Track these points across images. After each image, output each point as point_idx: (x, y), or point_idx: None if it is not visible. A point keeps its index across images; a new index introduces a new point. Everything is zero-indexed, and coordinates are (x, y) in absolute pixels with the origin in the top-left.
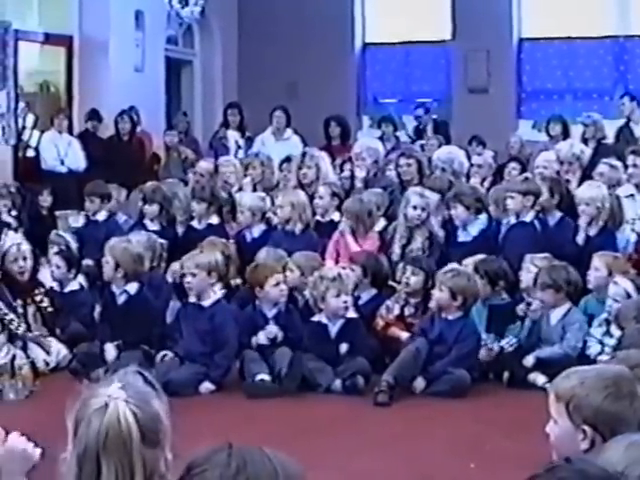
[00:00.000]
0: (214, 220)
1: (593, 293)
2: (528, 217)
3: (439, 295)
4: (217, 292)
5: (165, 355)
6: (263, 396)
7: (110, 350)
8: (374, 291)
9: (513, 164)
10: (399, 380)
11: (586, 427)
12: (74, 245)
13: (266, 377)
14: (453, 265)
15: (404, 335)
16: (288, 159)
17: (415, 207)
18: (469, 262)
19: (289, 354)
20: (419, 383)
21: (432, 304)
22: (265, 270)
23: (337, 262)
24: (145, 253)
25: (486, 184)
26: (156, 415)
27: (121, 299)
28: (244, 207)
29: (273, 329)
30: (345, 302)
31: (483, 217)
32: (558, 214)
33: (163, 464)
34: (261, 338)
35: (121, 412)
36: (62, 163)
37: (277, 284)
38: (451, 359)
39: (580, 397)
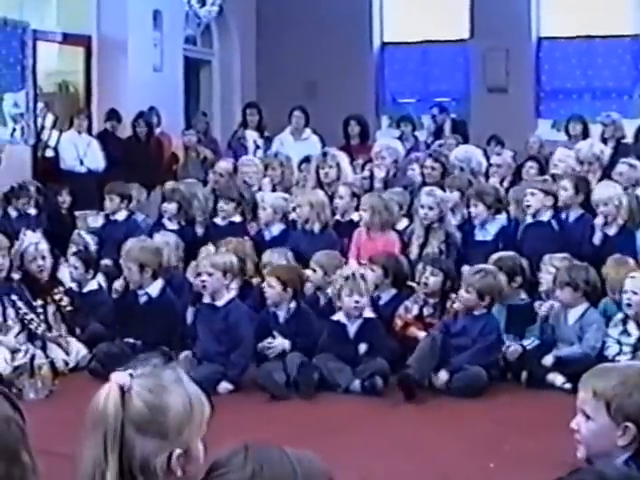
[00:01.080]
0: (236, 218)
1: (611, 295)
2: (545, 216)
3: (467, 297)
4: (231, 291)
5: (184, 355)
6: (278, 396)
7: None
8: (394, 291)
9: (530, 163)
10: (419, 375)
11: (629, 424)
12: (93, 246)
13: (281, 379)
14: (479, 265)
15: (422, 335)
16: (307, 159)
17: (423, 206)
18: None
19: (298, 361)
20: (442, 375)
21: (458, 305)
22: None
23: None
24: (165, 247)
25: (505, 184)
26: (160, 407)
27: (143, 299)
28: (267, 203)
29: (278, 343)
30: (357, 302)
31: (502, 217)
32: (579, 211)
33: (163, 459)
34: (269, 352)
35: (105, 393)
36: (81, 163)
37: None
38: (473, 352)
39: (623, 396)
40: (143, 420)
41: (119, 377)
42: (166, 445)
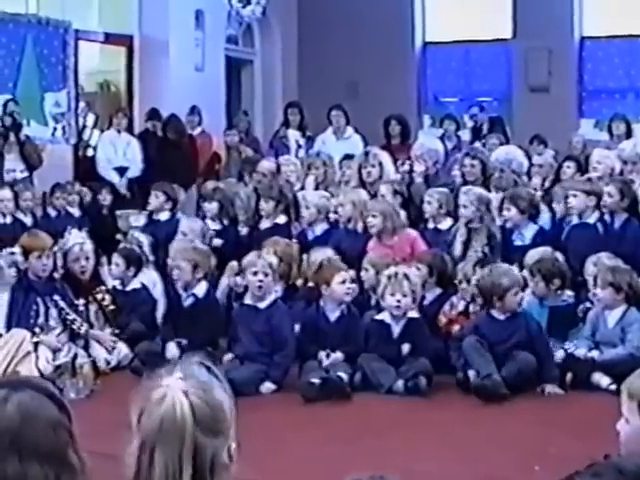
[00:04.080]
0: (281, 220)
1: None
2: (591, 218)
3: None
4: (273, 293)
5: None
6: (316, 399)
7: (172, 349)
8: (439, 291)
9: (567, 162)
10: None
11: None
12: (147, 246)
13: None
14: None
15: None
16: (348, 157)
17: (465, 206)
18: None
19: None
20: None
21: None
22: (331, 268)
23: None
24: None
25: (547, 183)
26: (217, 405)
27: (188, 301)
28: (310, 203)
29: (334, 357)
30: (399, 301)
31: (546, 216)
32: (624, 215)
33: (226, 454)
34: (326, 364)
35: (177, 402)
36: (118, 173)
37: (343, 281)
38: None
39: None
40: (208, 420)
41: (177, 383)
42: (226, 441)
